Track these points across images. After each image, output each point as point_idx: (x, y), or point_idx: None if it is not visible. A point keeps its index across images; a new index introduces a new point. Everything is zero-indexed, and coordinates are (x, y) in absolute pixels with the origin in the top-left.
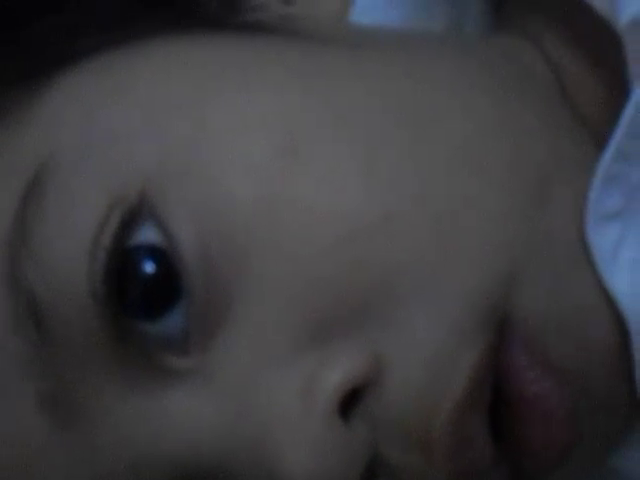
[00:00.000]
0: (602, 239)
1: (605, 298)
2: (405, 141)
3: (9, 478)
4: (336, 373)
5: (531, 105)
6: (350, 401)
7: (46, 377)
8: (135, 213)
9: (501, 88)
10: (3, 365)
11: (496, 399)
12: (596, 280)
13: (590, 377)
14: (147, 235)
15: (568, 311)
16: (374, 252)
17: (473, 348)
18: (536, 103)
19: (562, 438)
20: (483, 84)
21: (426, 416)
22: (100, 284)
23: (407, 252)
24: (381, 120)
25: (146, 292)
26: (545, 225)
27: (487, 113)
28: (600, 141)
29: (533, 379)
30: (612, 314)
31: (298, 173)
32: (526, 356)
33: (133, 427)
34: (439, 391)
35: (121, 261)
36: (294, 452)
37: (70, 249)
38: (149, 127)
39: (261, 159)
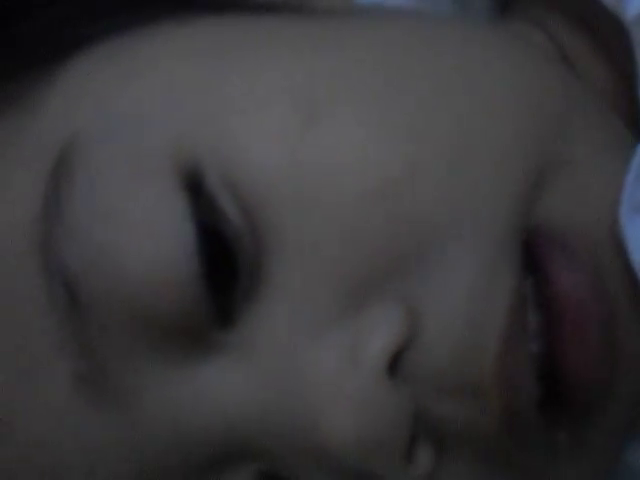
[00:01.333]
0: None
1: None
2: (422, 96)
3: (43, 456)
4: (380, 337)
5: (547, 70)
6: (393, 362)
7: (81, 356)
8: (189, 192)
9: (517, 52)
10: (37, 345)
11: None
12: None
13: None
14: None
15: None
16: (404, 205)
17: (507, 282)
18: (552, 69)
19: (597, 347)
20: (497, 46)
21: (472, 358)
22: (173, 264)
23: (434, 200)
24: (397, 79)
25: (209, 267)
26: (562, 146)
27: (505, 68)
28: None
29: (567, 279)
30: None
31: (321, 135)
32: (560, 256)
33: (170, 403)
34: (481, 329)
35: (198, 241)
36: (340, 417)
37: (114, 229)
38: (171, 105)
39: (286, 126)
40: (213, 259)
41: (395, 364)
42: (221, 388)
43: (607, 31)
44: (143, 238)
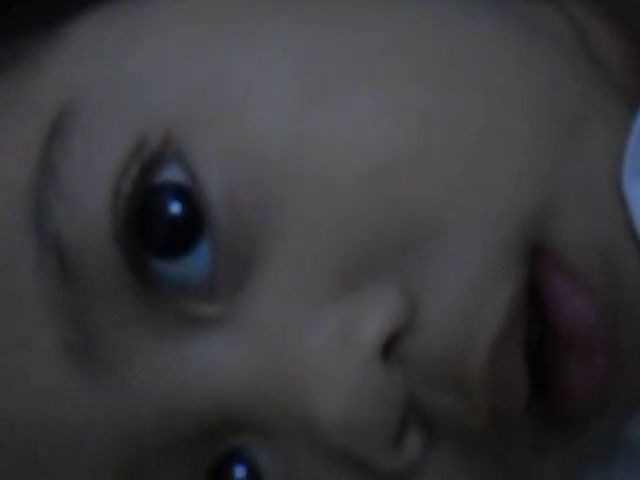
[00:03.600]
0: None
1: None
2: (437, 76)
3: (30, 425)
4: (376, 318)
5: (562, 54)
6: (387, 346)
7: (70, 324)
8: (159, 153)
9: (531, 34)
10: (27, 311)
11: (532, 342)
12: (627, 225)
13: (627, 316)
14: (172, 175)
15: (601, 248)
16: (409, 188)
17: (508, 281)
18: (566, 53)
19: (603, 374)
20: (512, 26)
21: (463, 353)
22: (122, 224)
23: (441, 186)
24: (415, 61)
25: (170, 232)
26: (580, 162)
27: (520, 51)
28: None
29: (574, 305)
30: None
31: (329, 111)
32: (566, 283)
33: (160, 375)
34: (475, 327)
35: (145, 201)
36: (330, 396)
37: (94, 189)
38: (171, 69)
39: (291, 98)
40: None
41: (389, 348)
42: (211, 360)
43: (624, 7)
44: (113, 199)
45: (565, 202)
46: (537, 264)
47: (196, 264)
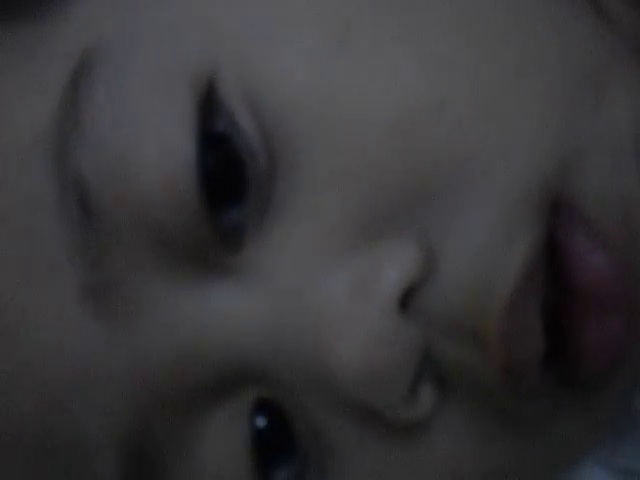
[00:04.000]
0: None
1: None
2: (460, 28)
3: (45, 366)
4: (394, 269)
5: (578, 15)
6: (405, 297)
7: (90, 266)
8: (203, 102)
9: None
10: (48, 252)
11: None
12: None
13: None
14: (215, 124)
15: (622, 206)
16: (429, 138)
17: (527, 233)
18: (582, 14)
19: (619, 333)
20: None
21: (481, 305)
22: (178, 172)
23: (462, 138)
24: (436, 10)
25: (213, 182)
26: (600, 117)
27: (538, 8)
28: None
29: (592, 261)
30: None
31: (353, 60)
32: (586, 238)
33: (177, 322)
34: (493, 279)
35: (198, 149)
36: (348, 346)
37: (131, 138)
38: (197, 20)
39: (316, 47)
40: (222, 177)
41: (407, 300)
42: (229, 309)
43: None
44: (154, 148)
45: (586, 156)
46: (557, 219)
47: (232, 215)
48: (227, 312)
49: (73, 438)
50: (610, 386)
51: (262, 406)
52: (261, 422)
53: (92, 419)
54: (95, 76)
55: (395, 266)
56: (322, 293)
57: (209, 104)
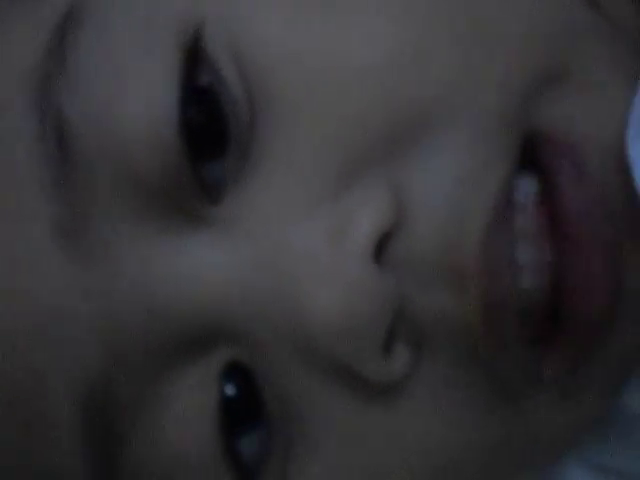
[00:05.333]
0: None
1: None
2: None
3: (13, 301)
4: (366, 219)
5: None
6: (379, 247)
7: (64, 203)
8: (188, 54)
9: None
10: (23, 183)
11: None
12: None
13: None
14: (199, 77)
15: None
16: (401, 87)
17: (498, 168)
18: None
19: (604, 276)
20: None
21: (456, 244)
22: (161, 121)
23: (432, 86)
24: None
25: (196, 134)
26: (575, 62)
27: None
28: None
29: (577, 194)
30: None
31: (333, 13)
32: (571, 167)
33: (151, 268)
34: (466, 216)
35: (182, 100)
36: (322, 294)
37: (116, 85)
38: None
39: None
40: (205, 130)
41: (381, 250)
42: (203, 261)
43: None
44: (137, 99)
45: (560, 93)
46: (537, 152)
47: (215, 167)
48: (200, 263)
49: (33, 388)
50: (601, 357)
51: (232, 372)
52: (230, 390)
53: (54, 368)
54: (83, 23)
55: (368, 214)
56: (297, 244)
57: (194, 57)
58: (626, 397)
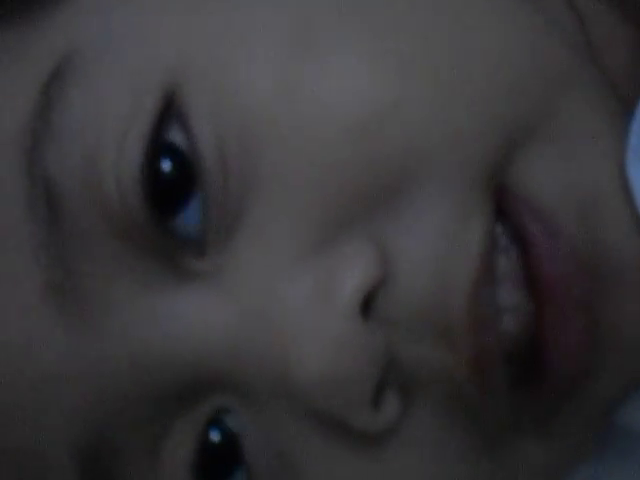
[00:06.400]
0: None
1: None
2: (418, 29)
3: (8, 362)
4: (352, 274)
5: (557, 35)
6: (366, 302)
7: (56, 265)
8: (161, 111)
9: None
10: (14, 246)
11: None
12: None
13: (606, 289)
14: (170, 133)
15: (580, 204)
16: (382, 141)
17: (479, 221)
18: (563, 40)
19: (578, 328)
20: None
21: (442, 298)
22: (128, 177)
23: (413, 140)
24: (391, 9)
25: (166, 187)
26: (556, 117)
27: (504, 8)
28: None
29: (548, 250)
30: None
31: (312, 63)
32: (536, 223)
33: (141, 324)
34: (451, 270)
35: (145, 156)
36: (310, 351)
37: (97, 140)
38: (170, 25)
39: (276, 51)
40: (176, 185)
41: (368, 303)
42: (193, 314)
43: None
44: (112, 155)
45: (536, 150)
46: (511, 208)
47: (188, 219)
48: (190, 317)
49: (29, 439)
50: (582, 402)
51: (218, 420)
52: (215, 436)
53: (49, 420)
54: (68, 79)
55: (352, 270)
56: (284, 300)
57: (170, 113)
58: (626, 416)
